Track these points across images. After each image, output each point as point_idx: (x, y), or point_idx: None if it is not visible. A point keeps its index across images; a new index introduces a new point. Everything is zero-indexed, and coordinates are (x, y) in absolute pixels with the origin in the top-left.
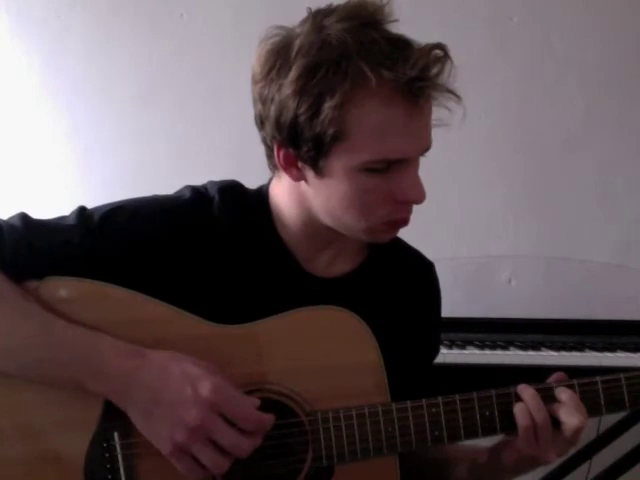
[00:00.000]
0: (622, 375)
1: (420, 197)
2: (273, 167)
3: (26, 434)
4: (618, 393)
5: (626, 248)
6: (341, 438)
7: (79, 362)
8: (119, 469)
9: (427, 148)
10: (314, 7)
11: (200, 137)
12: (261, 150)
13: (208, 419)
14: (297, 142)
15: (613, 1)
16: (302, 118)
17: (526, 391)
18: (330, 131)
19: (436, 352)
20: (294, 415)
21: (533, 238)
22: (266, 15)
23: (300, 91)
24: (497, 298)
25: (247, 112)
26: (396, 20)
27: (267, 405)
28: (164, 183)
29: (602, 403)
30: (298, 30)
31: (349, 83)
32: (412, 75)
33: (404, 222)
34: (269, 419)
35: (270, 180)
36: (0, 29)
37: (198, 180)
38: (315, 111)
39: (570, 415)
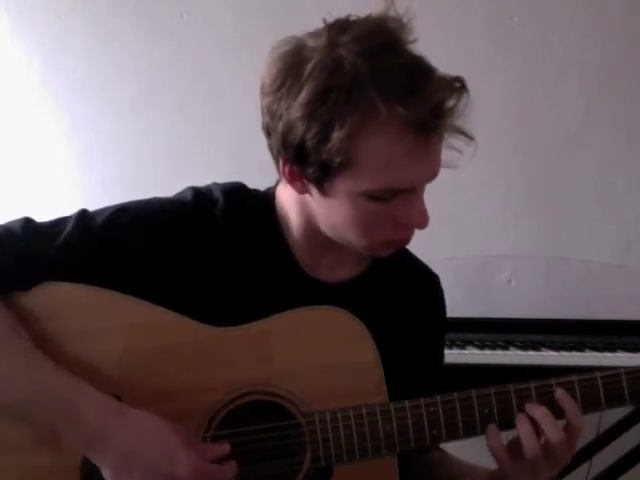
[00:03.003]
0: (622, 370)
1: (423, 223)
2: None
3: (18, 448)
4: (618, 388)
5: (626, 248)
6: (339, 439)
7: (58, 409)
8: None
9: (434, 176)
10: (313, 9)
11: (200, 137)
12: (261, 150)
13: None
14: (303, 162)
15: (613, 1)
16: (309, 143)
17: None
18: (337, 159)
19: (438, 365)
20: (291, 417)
21: (533, 238)
22: (266, 15)
23: (309, 116)
24: (497, 298)
25: (247, 112)
26: (415, 40)
27: (264, 407)
28: (164, 183)
29: (602, 398)
30: (311, 43)
31: (359, 115)
32: (425, 115)
33: (405, 242)
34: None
35: (278, 182)
36: (0, 29)
37: (198, 180)
38: (323, 138)
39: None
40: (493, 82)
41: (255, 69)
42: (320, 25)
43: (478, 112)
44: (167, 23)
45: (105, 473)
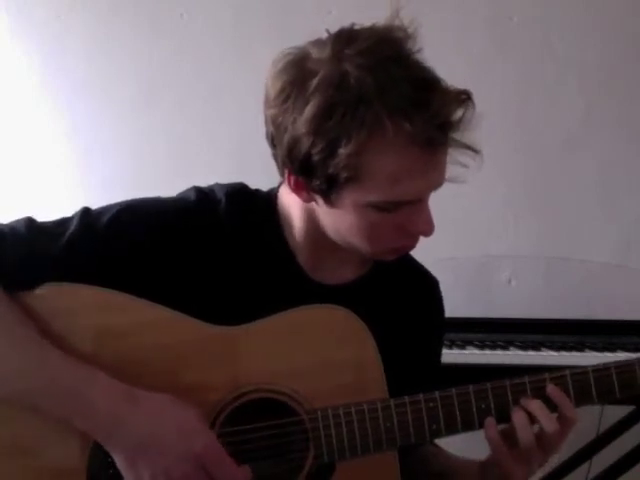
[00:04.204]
0: (613, 364)
1: (429, 232)
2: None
3: (23, 450)
4: (608, 382)
5: (626, 248)
6: (341, 435)
7: (69, 397)
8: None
9: (440, 186)
10: (313, 9)
11: (200, 137)
12: (261, 150)
13: (193, 474)
14: (309, 175)
15: (613, 1)
16: (315, 157)
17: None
18: (343, 174)
19: (436, 365)
20: (294, 414)
21: (533, 238)
22: (266, 15)
23: (315, 132)
24: (497, 298)
25: (247, 112)
26: (421, 49)
27: (267, 405)
28: (164, 183)
29: (593, 392)
30: (315, 55)
31: (366, 131)
32: (431, 131)
33: (410, 249)
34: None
35: (281, 183)
36: (0, 29)
37: (198, 180)
38: (329, 154)
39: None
40: (493, 82)
41: (255, 69)
42: (320, 26)
43: (478, 112)
44: (167, 23)
45: (120, 461)
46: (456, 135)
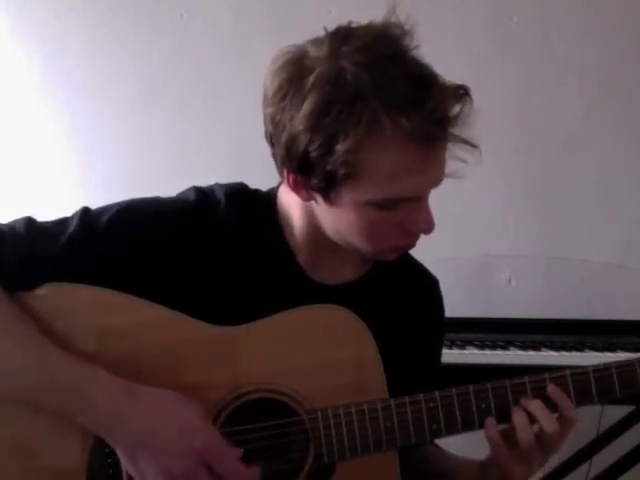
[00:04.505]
0: (613, 364)
1: (429, 230)
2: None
3: (23, 450)
4: (609, 382)
5: (626, 248)
6: (341, 435)
7: (70, 394)
8: (122, 473)
9: (439, 183)
10: (313, 9)
11: (200, 137)
12: (261, 150)
13: (194, 471)
14: (307, 173)
15: (613, 1)
16: (313, 154)
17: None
18: (341, 171)
19: (436, 366)
20: (294, 414)
21: (533, 238)
22: (266, 15)
23: (312, 128)
24: (497, 298)
25: (247, 112)
26: (418, 46)
27: (267, 405)
28: (164, 183)
29: (594, 392)
30: (313, 53)
31: (363, 128)
32: (429, 127)
33: (410, 248)
34: (253, 473)
35: (280, 183)
36: (0, 29)
37: (198, 180)
38: (327, 151)
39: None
40: (493, 82)
41: (255, 69)
42: (320, 25)
43: (477, 109)
44: (167, 23)
45: (122, 456)
46: (454, 130)
